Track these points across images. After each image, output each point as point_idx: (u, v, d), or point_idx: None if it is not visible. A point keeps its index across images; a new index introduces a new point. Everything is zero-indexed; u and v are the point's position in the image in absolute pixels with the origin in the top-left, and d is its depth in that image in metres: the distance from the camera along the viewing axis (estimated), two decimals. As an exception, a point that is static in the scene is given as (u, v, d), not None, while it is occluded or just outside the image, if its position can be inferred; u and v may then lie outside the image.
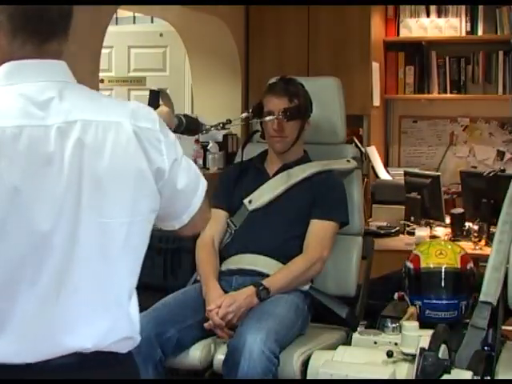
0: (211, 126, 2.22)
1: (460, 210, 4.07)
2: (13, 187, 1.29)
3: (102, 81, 5.38)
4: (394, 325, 2.47)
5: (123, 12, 5.62)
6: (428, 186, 4.21)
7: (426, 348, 2.12)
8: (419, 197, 4.18)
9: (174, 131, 1.88)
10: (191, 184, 1.53)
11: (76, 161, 1.33)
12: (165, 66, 5.98)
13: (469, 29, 5.30)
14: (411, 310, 2.70)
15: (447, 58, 5.42)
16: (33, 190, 1.31)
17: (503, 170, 4.33)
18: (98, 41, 4.08)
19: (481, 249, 3.71)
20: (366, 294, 2.97)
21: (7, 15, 1.36)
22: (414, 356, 2.19)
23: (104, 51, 4.34)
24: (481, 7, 5.26)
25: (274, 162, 2.96)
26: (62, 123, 1.33)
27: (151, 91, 1.86)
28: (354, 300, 2.93)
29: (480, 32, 5.28)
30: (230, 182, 2.99)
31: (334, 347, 2.51)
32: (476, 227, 3.86)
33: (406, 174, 4.52)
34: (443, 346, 2.20)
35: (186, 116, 2.00)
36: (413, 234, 4.01)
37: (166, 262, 3.32)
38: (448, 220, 4.11)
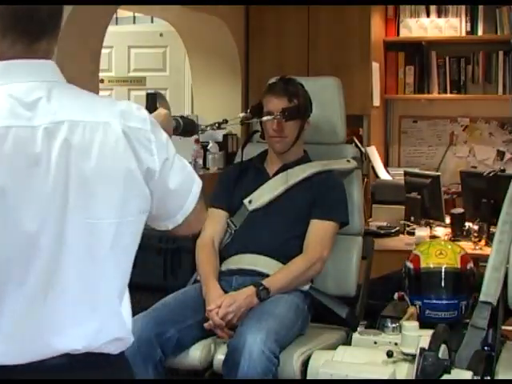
0: (207, 126, 2.22)
1: (460, 210, 4.07)
2: None
3: (102, 81, 5.38)
4: (393, 325, 2.47)
5: (123, 12, 5.63)
6: (428, 186, 4.21)
7: (426, 348, 2.12)
8: (419, 197, 4.18)
9: (173, 134, 1.88)
10: (185, 184, 1.52)
11: (63, 161, 1.33)
12: (165, 66, 5.98)
13: (469, 29, 5.31)
14: (411, 310, 2.70)
15: (447, 58, 5.42)
16: (19, 190, 1.30)
17: (503, 170, 4.33)
18: (97, 41, 4.08)
19: (481, 249, 3.71)
20: (366, 294, 2.97)
21: None
22: (414, 356, 2.19)
23: (104, 51, 4.34)
24: (481, 7, 5.27)
25: (273, 162, 2.96)
26: (49, 124, 1.33)
27: (148, 94, 1.86)
28: (354, 300, 2.92)
29: (480, 32, 5.29)
30: (229, 182, 2.99)
31: (334, 347, 2.51)
32: (476, 227, 3.85)
33: (406, 173, 4.52)
34: (443, 346, 2.20)
35: (182, 117, 2.01)
36: (413, 233, 4.01)
37: (166, 262, 3.32)
38: (448, 220, 4.11)
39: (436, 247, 2.87)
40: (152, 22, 6.04)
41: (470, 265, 2.83)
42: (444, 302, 2.74)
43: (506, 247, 2.57)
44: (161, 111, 1.79)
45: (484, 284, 2.53)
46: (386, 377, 2.19)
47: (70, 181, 1.34)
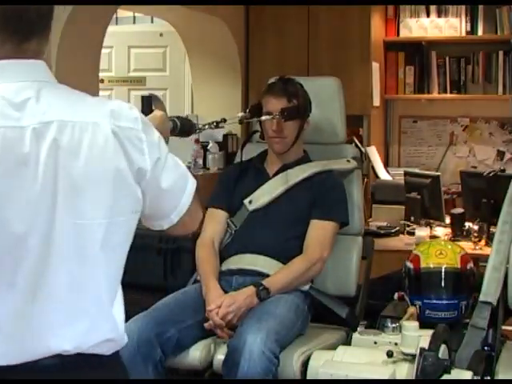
0: (204, 125, 2.21)
1: (460, 210, 4.07)
2: None
3: (102, 81, 5.38)
4: (394, 325, 2.47)
5: (123, 12, 5.63)
6: (428, 186, 4.21)
7: (426, 348, 2.12)
8: (419, 197, 4.18)
9: (170, 134, 1.88)
10: (178, 183, 1.50)
11: (51, 162, 1.32)
12: (165, 66, 5.98)
13: (469, 29, 5.31)
14: (411, 310, 2.70)
15: (447, 58, 5.42)
16: (7, 191, 1.30)
17: (503, 170, 4.33)
18: (97, 41, 4.08)
19: (481, 249, 3.71)
20: (366, 294, 2.96)
21: None
22: (414, 356, 2.19)
23: (104, 51, 4.34)
24: (481, 7, 5.27)
25: (273, 162, 2.96)
26: (37, 124, 1.32)
27: (143, 97, 1.86)
28: (354, 300, 2.92)
29: (480, 32, 5.29)
30: (229, 182, 2.99)
31: (334, 347, 2.51)
32: (476, 227, 3.86)
33: (406, 174, 4.52)
34: (443, 346, 2.20)
35: (179, 118, 2.00)
36: (413, 234, 4.01)
37: (166, 262, 3.32)
38: (448, 220, 4.11)
39: (436, 247, 2.87)
40: (152, 22, 6.04)
41: (470, 265, 2.83)
42: (444, 302, 2.74)
43: (506, 247, 2.57)
44: (156, 113, 1.78)
45: (484, 284, 2.53)
46: (386, 377, 2.19)
47: (58, 181, 1.33)
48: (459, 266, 2.79)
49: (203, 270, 2.77)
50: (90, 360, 1.39)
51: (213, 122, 2.29)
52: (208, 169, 4.79)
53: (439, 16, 5.39)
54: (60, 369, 1.36)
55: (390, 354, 2.26)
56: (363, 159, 4.41)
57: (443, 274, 2.77)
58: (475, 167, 5.37)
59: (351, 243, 3.01)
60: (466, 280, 2.79)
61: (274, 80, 2.96)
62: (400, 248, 3.83)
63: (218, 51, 5.27)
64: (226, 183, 3.00)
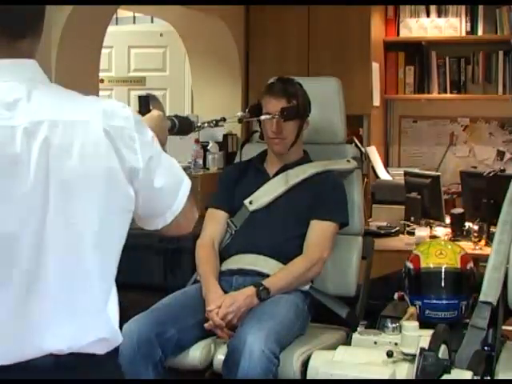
0: (203, 123, 2.21)
1: (460, 210, 4.07)
2: None
3: (102, 81, 5.38)
4: (393, 325, 2.47)
5: (123, 12, 5.63)
6: (428, 186, 4.21)
7: (426, 348, 2.12)
8: (419, 197, 4.18)
9: (169, 133, 1.87)
10: (172, 183, 1.49)
11: (43, 162, 1.32)
12: (165, 66, 5.98)
13: (469, 29, 5.31)
14: (411, 310, 2.70)
15: (447, 58, 5.43)
16: None
17: (503, 170, 4.33)
18: (98, 41, 4.08)
19: (481, 249, 3.71)
20: (366, 294, 2.96)
21: None
22: (414, 356, 2.19)
23: (104, 51, 4.34)
24: (481, 7, 5.27)
25: (273, 162, 2.96)
26: (28, 123, 1.32)
27: (140, 97, 1.85)
28: (354, 300, 2.92)
29: (480, 32, 5.29)
30: (229, 182, 2.98)
31: (334, 347, 2.50)
32: (476, 227, 3.85)
33: (405, 173, 4.52)
34: (443, 346, 2.20)
35: (177, 117, 2.00)
36: (413, 233, 4.01)
37: (166, 262, 3.32)
38: (448, 220, 4.11)
39: (436, 247, 2.87)
40: (152, 22, 6.04)
41: (470, 265, 2.83)
42: (444, 302, 2.74)
43: (506, 247, 2.57)
44: (154, 113, 1.77)
45: (484, 284, 2.53)
46: (386, 377, 2.19)
47: (50, 181, 1.33)
48: (459, 266, 2.79)
49: (203, 270, 2.77)
50: (83, 359, 1.38)
51: (212, 121, 2.28)
52: (208, 169, 4.79)
53: (439, 16, 5.39)
54: (54, 368, 1.36)
55: (389, 354, 2.26)
56: (363, 159, 4.40)
57: (443, 273, 2.77)
58: (475, 167, 5.37)
59: (351, 243, 3.01)
60: (466, 280, 2.79)
61: (274, 80, 2.96)
62: (400, 248, 3.83)
63: (218, 51, 5.27)
64: (226, 183, 3.00)
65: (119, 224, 1.43)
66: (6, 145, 1.31)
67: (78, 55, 3.84)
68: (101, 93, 4.59)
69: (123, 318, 2.54)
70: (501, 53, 5.27)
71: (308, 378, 2.46)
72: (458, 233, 3.92)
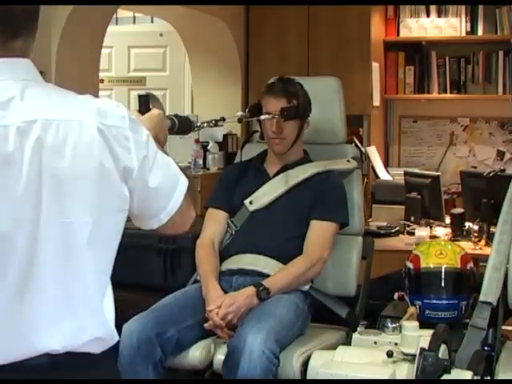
0: (203, 123, 2.20)
1: (460, 210, 4.07)
2: None
3: (102, 81, 5.38)
4: (393, 325, 2.47)
5: (123, 12, 5.63)
6: (428, 186, 4.21)
7: (426, 348, 2.12)
8: (419, 197, 4.18)
9: (168, 133, 1.87)
10: (167, 183, 1.48)
11: (36, 161, 1.32)
12: (165, 66, 5.98)
13: (469, 29, 5.31)
14: (411, 310, 2.70)
15: (447, 58, 5.43)
16: None
17: (503, 170, 4.33)
18: (98, 41, 4.09)
19: (481, 249, 3.71)
20: (366, 294, 2.96)
21: None
22: (414, 356, 2.19)
23: (104, 51, 4.35)
24: (481, 7, 5.27)
25: (274, 162, 2.96)
26: (21, 123, 1.32)
27: (140, 96, 1.85)
28: (354, 300, 2.92)
29: (480, 32, 5.29)
30: (229, 182, 2.98)
31: (334, 347, 2.50)
32: (476, 227, 3.85)
33: (405, 173, 4.52)
34: (443, 346, 2.20)
35: (177, 116, 1.99)
36: (413, 233, 4.00)
37: (166, 262, 3.32)
38: (448, 220, 4.11)
39: (436, 247, 2.87)
40: (152, 22, 6.04)
41: (470, 265, 2.83)
42: (444, 302, 2.74)
43: (506, 247, 2.57)
44: (154, 112, 1.77)
45: (484, 284, 2.53)
46: (386, 377, 2.19)
47: (43, 180, 1.32)
48: (459, 266, 2.79)
49: (203, 270, 2.77)
50: (79, 359, 1.38)
51: (211, 120, 2.28)
52: (208, 169, 4.79)
53: (439, 16, 5.40)
54: (49, 368, 1.35)
55: (389, 354, 2.26)
56: (363, 159, 4.40)
57: (443, 274, 2.77)
58: (475, 167, 5.37)
59: (351, 243, 3.01)
60: (466, 280, 2.79)
61: (274, 80, 2.96)
62: (400, 248, 3.83)
63: (218, 51, 5.27)
64: (226, 183, 3.00)
65: (113, 223, 1.42)
66: None
67: (77, 55, 3.84)
68: (101, 93, 4.59)
69: (123, 318, 2.55)
70: (501, 53, 5.27)
71: (308, 377, 2.46)
72: (458, 233, 3.92)
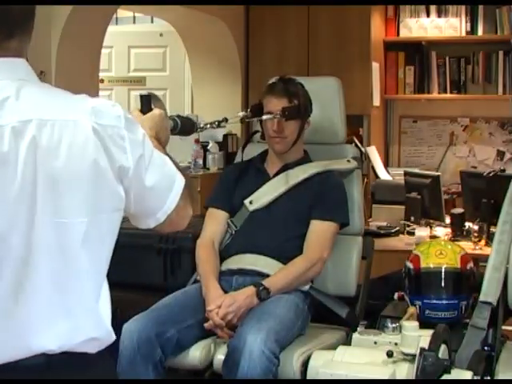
0: (206, 124, 2.20)
1: (460, 210, 4.07)
2: None
3: (102, 81, 5.38)
4: (393, 325, 2.47)
5: (123, 12, 5.64)
6: (428, 186, 4.21)
7: (426, 348, 2.12)
8: (419, 197, 4.18)
9: (171, 133, 1.87)
10: (164, 182, 1.48)
11: (30, 161, 1.31)
12: (165, 66, 5.99)
13: (469, 29, 5.32)
14: (411, 310, 2.70)
15: (447, 58, 5.43)
16: None
17: (503, 170, 4.33)
18: (97, 41, 4.09)
19: (481, 249, 3.71)
20: (366, 294, 2.96)
21: None
22: (414, 356, 2.18)
23: (104, 51, 4.35)
24: (481, 7, 5.27)
25: (274, 162, 2.96)
26: (16, 123, 1.31)
27: (142, 96, 1.84)
28: (354, 300, 2.92)
29: (480, 32, 5.29)
30: (230, 182, 2.98)
31: (334, 347, 2.50)
32: (476, 227, 3.85)
33: (405, 174, 4.52)
34: (443, 346, 2.20)
35: (179, 117, 1.99)
36: (413, 233, 4.01)
37: (166, 262, 3.32)
38: (448, 220, 4.11)
39: (436, 247, 2.87)
40: (152, 22, 6.05)
41: (470, 265, 2.83)
42: (444, 302, 2.74)
43: (506, 247, 2.57)
44: (155, 112, 1.77)
45: (484, 284, 2.53)
46: (386, 377, 2.19)
47: (38, 180, 1.32)
48: (459, 266, 2.79)
49: (203, 270, 2.77)
50: (75, 359, 1.38)
51: (214, 122, 2.28)
52: (208, 169, 4.80)
53: (439, 16, 5.40)
54: (45, 368, 1.35)
55: (389, 354, 2.26)
56: (363, 159, 4.41)
57: (443, 274, 2.77)
58: (475, 167, 5.37)
59: (351, 243, 3.01)
60: (466, 280, 2.79)
61: (275, 80, 2.96)
62: (400, 248, 3.83)
63: (218, 51, 5.28)
64: (226, 183, 3.00)
65: (109, 223, 1.41)
66: None
67: (78, 55, 3.84)
68: (101, 93, 4.60)
69: (123, 318, 2.54)
70: (501, 53, 5.27)
71: (308, 378, 2.46)
72: (458, 233, 3.92)
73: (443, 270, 2.78)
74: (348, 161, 3.02)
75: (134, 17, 6.06)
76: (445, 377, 2.10)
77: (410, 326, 2.34)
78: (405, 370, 2.23)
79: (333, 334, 2.80)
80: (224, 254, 2.86)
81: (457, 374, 2.15)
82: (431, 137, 5.60)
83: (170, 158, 1.56)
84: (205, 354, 2.60)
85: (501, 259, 2.55)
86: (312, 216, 2.83)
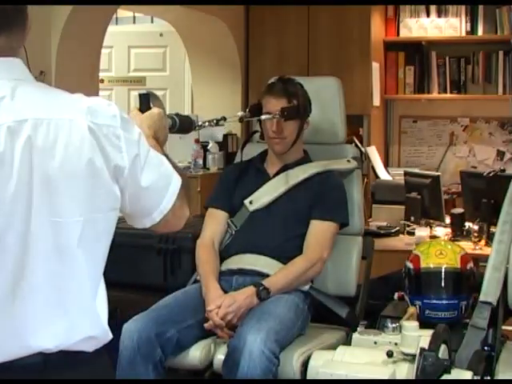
0: (204, 122, 2.20)
1: (460, 210, 4.07)
2: None
3: (102, 81, 5.39)
4: (393, 325, 2.47)
5: (123, 12, 5.64)
6: (428, 186, 4.22)
7: (426, 348, 2.12)
8: (419, 197, 4.18)
9: (169, 132, 1.87)
10: (160, 182, 1.48)
11: (26, 160, 1.31)
12: (165, 66, 5.99)
13: (469, 29, 5.32)
14: (411, 310, 2.70)
15: (447, 58, 5.43)
16: None
17: (503, 170, 4.33)
18: (97, 41, 4.09)
19: (481, 249, 3.71)
20: (366, 294, 2.96)
21: None
22: (414, 356, 2.18)
23: (104, 51, 4.35)
24: (481, 7, 5.27)
25: (274, 162, 2.96)
26: (12, 122, 1.31)
27: (140, 94, 1.84)
28: (354, 300, 2.92)
29: (480, 32, 5.29)
30: (229, 182, 2.98)
31: (334, 347, 2.50)
32: (476, 227, 3.85)
33: (405, 174, 4.52)
34: (443, 346, 2.20)
35: (177, 115, 1.99)
36: (413, 233, 4.01)
37: (166, 262, 3.32)
38: (448, 220, 4.11)
39: (436, 247, 2.87)
40: (152, 22, 6.05)
41: (470, 265, 2.83)
42: (444, 302, 2.74)
43: (506, 247, 2.57)
44: (154, 110, 1.77)
45: (484, 284, 2.53)
46: (386, 377, 2.19)
47: (33, 180, 1.32)
48: (459, 266, 2.79)
49: (203, 271, 2.77)
50: (72, 357, 1.38)
51: (212, 120, 2.28)
52: (208, 169, 4.79)
53: (439, 16, 5.40)
54: (42, 367, 1.36)
55: (389, 354, 2.26)
56: (363, 159, 4.41)
57: (443, 274, 2.77)
58: (475, 167, 5.37)
59: (351, 243, 3.01)
60: (466, 280, 2.79)
61: (274, 80, 2.96)
62: (400, 248, 3.83)
63: (218, 51, 5.28)
64: (226, 183, 3.00)
65: (105, 222, 1.41)
66: None
67: (77, 55, 3.84)
68: (101, 93, 4.60)
69: (123, 318, 2.55)
70: (501, 53, 5.27)
71: (308, 378, 2.46)
72: (458, 233, 3.92)
73: (443, 270, 2.78)
74: (348, 161, 3.02)
75: (134, 17, 6.06)
76: (445, 377, 2.10)
77: (410, 326, 2.34)
78: (405, 370, 2.23)
79: (333, 333, 2.80)
80: (224, 254, 2.86)
81: (457, 374, 2.15)
82: (431, 137, 5.60)
83: (168, 157, 1.56)
84: (205, 354, 2.60)
85: (501, 259, 2.55)
86: (312, 216, 2.83)
